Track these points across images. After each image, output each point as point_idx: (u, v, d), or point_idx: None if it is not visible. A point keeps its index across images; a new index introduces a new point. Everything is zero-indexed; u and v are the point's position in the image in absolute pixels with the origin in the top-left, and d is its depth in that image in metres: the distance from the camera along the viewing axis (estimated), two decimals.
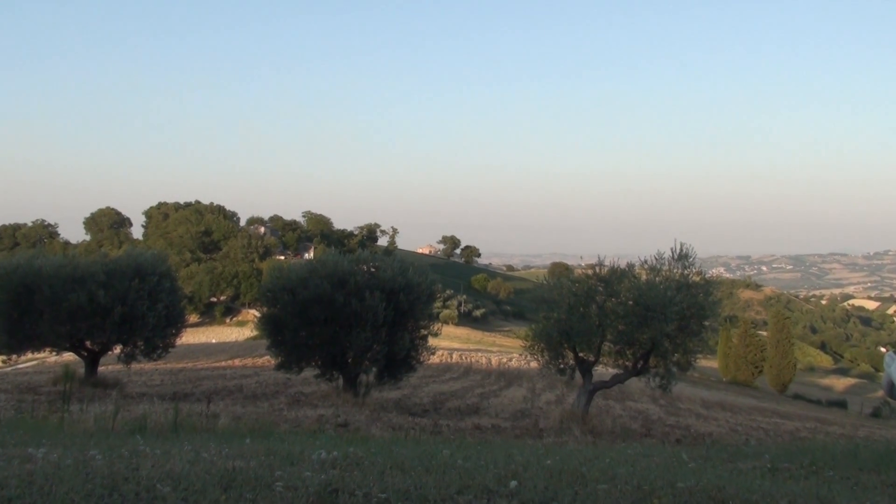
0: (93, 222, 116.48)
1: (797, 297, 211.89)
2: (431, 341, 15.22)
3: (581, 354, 13.09)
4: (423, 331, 14.88)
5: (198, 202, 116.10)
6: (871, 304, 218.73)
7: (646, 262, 12.78)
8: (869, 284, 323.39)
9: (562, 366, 13.20)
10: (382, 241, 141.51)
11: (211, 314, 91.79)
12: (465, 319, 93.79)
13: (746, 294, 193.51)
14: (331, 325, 13.42)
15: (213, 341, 66.61)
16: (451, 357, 37.20)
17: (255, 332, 64.50)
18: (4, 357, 20.81)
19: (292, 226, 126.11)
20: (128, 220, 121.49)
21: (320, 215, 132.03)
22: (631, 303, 12.25)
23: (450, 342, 54.51)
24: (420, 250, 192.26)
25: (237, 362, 31.70)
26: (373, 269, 14.23)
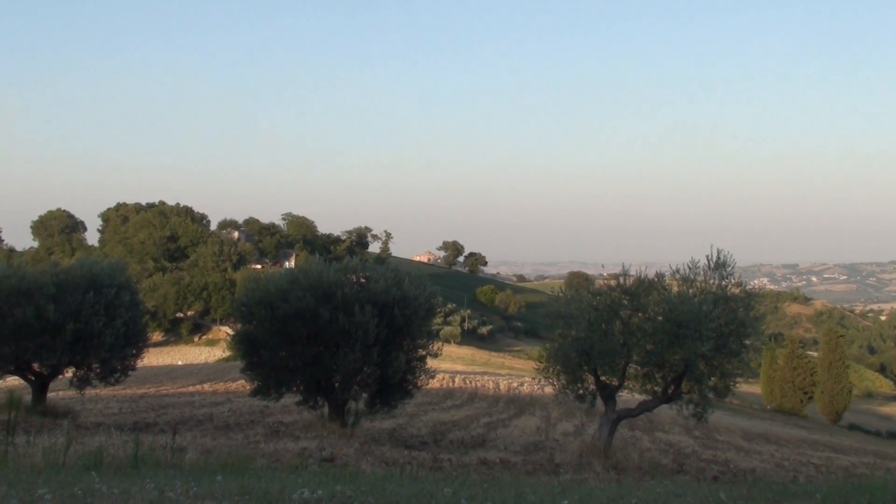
0: (41, 226, 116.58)
1: (852, 311, 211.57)
2: (430, 363, 15.19)
3: (603, 378, 13.06)
4: (420, 351, 14.86)
5: (162, 203, 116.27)
6: None
7: (677, 271, 12.77)
8: None
9: (581, 391, 13.16)
10: (374, 248, 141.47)
11: (177, 332, 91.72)
12: (470, 338, 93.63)
13: (794, 308, 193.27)
14: (315, 344, 13.41)
15: (180, 363, 66.56)
16: (454, 381, 37.14)
17: (227, 353, 64.57)
18: None
19: (270, 230, 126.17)
20: (81, 223, 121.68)
21: (303, 218, 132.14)
22: (660, 318, 12.23)
23: (452, 364, 54.41)
24: (417, 258, 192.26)
25: (207, 387, 31.67)
26: (363, 280, 14.22)
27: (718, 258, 12.49)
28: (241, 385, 27.18)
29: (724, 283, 12.44)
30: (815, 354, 69.08)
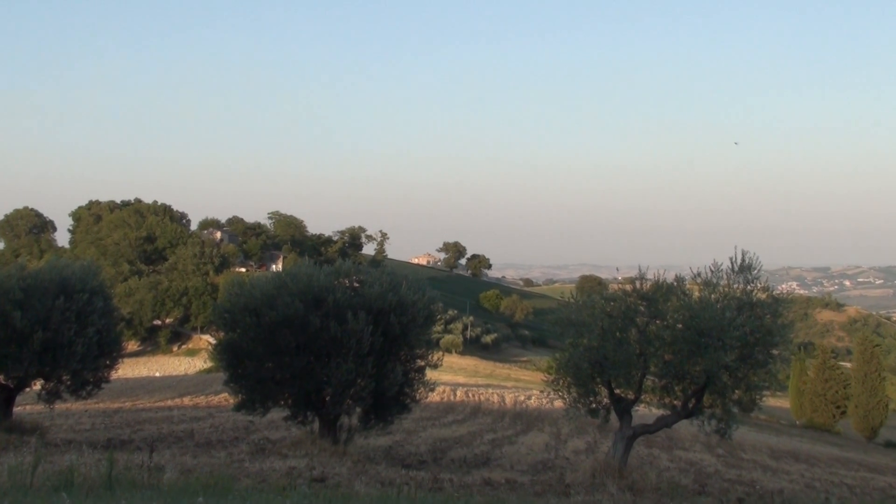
0: (7, 226, 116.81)
1: (889, 319, 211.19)
2: (430, 374, 15.19)
3: (618, 391, 13.05)
4: (419, 361, 14.86)
5: (138, 201, 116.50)
6: None
7: (699, 274, 12.77)
8: None
9: (593, 405, 13.15)
10: (368, 249, 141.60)
11: (154, 341, 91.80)
12: (473, 347, 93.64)
13: (825, 315, 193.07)
14: (304, 354, 13.41)
15: (157, 375, 66.63)
16: (455, 394, 37.15)
17: (209, 364, 64.58)
18: None
19: (256, 230, 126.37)
20: (51, 223, 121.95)
21: (291, 217, 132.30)
22: (680, 326, 12.23)
23: (453, 375, 54.39)
24: (416, 260, 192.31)
25: (187, 401, 31.69)
26: (356, 285, 14.24)
27: (743, 260, 12.49)
28: (224, 399, 27.21)
29: (749, 287, 12.43)
30: (849, 365, 68.93)
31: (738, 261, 12.51)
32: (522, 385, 52.43)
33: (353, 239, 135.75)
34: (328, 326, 13.02)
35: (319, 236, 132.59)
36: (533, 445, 19.79)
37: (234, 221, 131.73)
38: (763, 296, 12.56)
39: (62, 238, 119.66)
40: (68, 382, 15.48)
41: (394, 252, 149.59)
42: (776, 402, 61.73)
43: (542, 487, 11.93)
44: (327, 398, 13.85)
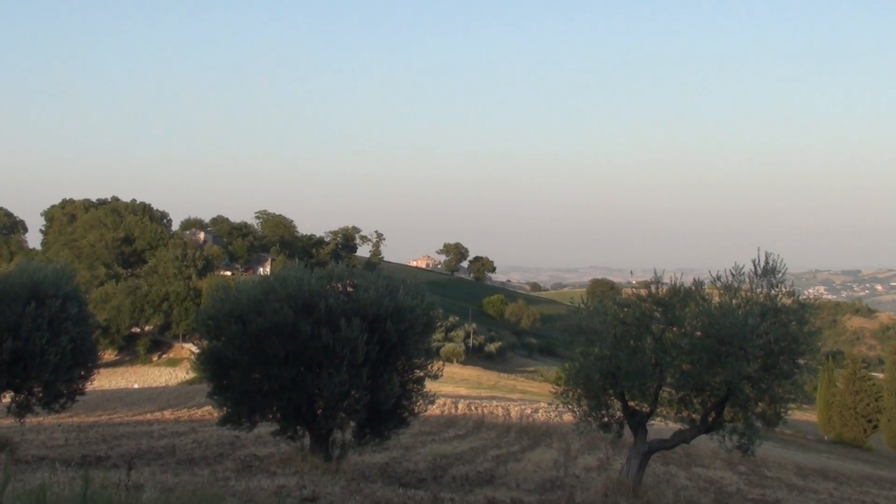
0: None
1: None
2: (429, 386, 15.19)
3: (632, 404, 13.05)
4: (418, 372, 14.86)
5: (115, 199, 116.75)
6: None
7: (719, 278, 12.77)
8: None
9: (605, 419, 13.15)
10: (363, 251, 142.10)
11: (133, 350, 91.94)
12: (476, 356, 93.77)
13: (855, 322, 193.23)
14: (294, 364, 13.41)
15: (136, 386, 66.67)
16: (457, 407, 37.16)
17: (191, 375, 64.65)
18: None
19: (242, 230, 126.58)
20: (21, 223, 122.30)
21: (279, 216, 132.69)
22: (699, 334, 12.23)
23: (455, 387, 54.45)
24: (414, 263, 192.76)
25: (168, 415, 31.72)
26: (350, 289, 14.23)
27: (767, 263, 12.49)
28: (208, 412, 27.20)
29: (773, 292, 12.44)
30: (881, 376, 68.85)
31: (762, 263, 12.51)
32: (529, 397, 52.46)
33: (347, 240, 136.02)
34: (320, 334, 13.02)
35: (310, 237, 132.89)
36: (540, 462, 19.79)
37: (219, 221, 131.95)
38: (788, 301, 12.56)
39: (34, 239, 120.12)
40: (40, 395, 15.48)
41: (390, 254, 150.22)
42: (803, 415, 61.78)
43: None
44: (319, 411, 13.84)
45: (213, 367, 14.07)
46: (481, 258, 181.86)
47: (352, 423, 14.03)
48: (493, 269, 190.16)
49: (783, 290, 12.55)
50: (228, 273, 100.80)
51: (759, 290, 12.45)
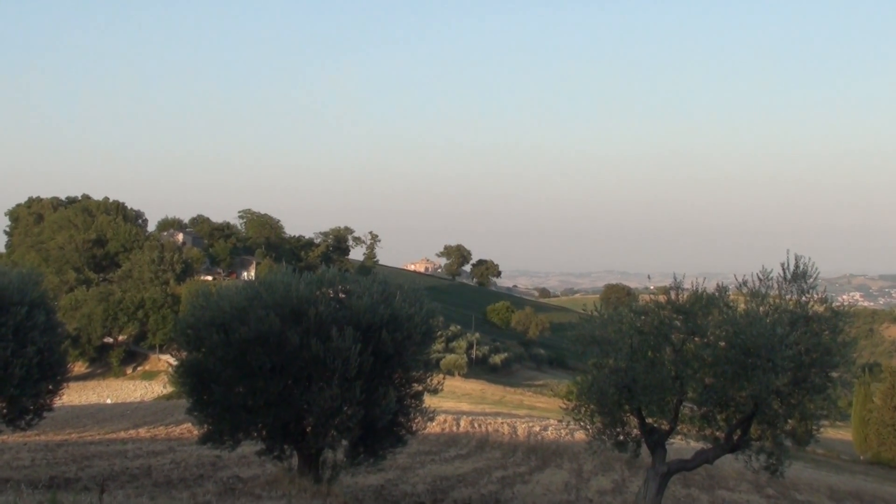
0: None
1: None
2: (428, 401, 15.19)
3: (650, 420, 13.05)
4: (416, 385, 14.87)
5: (86, 198, 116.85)
6: None
7: (744, 283, 12.78)
8: None
9: (621, 437, 13.16)
10: (356, 254, 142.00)
11: (105, 362, 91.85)
12: (479, 368, 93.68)
13: (894, 331, 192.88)
14: (281, 377, 13.41)
15: (109, 402, 66.58)
16: (459, 424, 37.10)
17: (169, 389, 64.59)
18: None
19: (224, 231, 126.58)
20: None
21: (265, 216, 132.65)
22: (723, 344, 12.23)
23: (456, 402, 54.39)
24: (412, 266, 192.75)
25: (143, 432, 31.67)
26: (342, 296, 14.24)
27: (797, 267, 12.50)
28: (188, 429, 27.16)
29: (804, 298, 12.45)
30: None
31: (791, 267, 12.52)
32: (537, 413, 52.38)
33: (339, 242, 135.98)
34: (309, 344, 13.02)
35: (299, 239, 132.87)
36: (550, 485, 19.77)
37: (199, 221, 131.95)
38: (820, 308, 12.56)
39: None
40: (4, 411, 15.48)
41: (386, 257, 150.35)
42: (836, 433, 61.61)
43: None
44: (308, 429, 13.84)
45: (193, 381, 14.08)
46: (485, 262, 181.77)
47: (344, 442, 14.03)
48: (498, 274, 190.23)
49: (815, 296, 12.55)
50: (209, 278, 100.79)
51: (788, 297, 12.46)
